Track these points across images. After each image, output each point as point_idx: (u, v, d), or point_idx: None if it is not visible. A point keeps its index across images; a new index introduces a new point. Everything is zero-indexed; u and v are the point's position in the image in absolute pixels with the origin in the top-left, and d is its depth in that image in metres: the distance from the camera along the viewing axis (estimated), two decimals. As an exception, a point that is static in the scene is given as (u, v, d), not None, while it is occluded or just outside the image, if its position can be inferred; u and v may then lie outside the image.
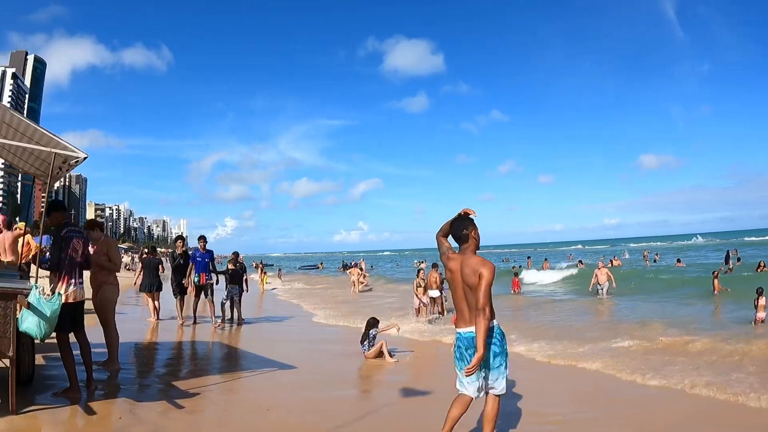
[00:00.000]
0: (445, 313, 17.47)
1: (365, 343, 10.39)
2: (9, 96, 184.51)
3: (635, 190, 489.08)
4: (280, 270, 49.83)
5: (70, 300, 6.56)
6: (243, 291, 15.57)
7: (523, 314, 18.54)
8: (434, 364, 10.78)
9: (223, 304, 14.93)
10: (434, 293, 17.70)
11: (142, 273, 15.37)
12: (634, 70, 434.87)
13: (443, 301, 17.85)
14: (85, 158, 6.35)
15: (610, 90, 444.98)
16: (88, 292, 7.48)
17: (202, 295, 14.10)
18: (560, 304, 21.30)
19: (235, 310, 14.97)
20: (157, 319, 14.70)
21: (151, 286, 14.78)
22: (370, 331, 10.37)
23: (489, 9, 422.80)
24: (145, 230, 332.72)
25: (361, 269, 34.59)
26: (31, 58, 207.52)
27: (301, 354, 11.04)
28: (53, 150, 6.29)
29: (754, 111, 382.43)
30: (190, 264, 14.00)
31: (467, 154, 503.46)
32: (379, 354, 10.19)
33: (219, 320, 14.39)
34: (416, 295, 17.37)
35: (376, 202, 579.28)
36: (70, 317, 6.53)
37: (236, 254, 16.00)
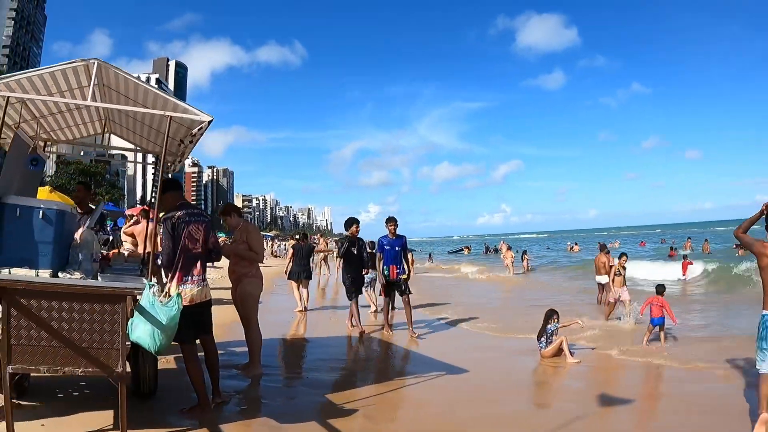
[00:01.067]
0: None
1: (542, 339, 9.02)
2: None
3: None
4: (430, 255, 48.47)
5: (189, 302, 5.22)
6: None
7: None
8: (621, 365, 8.96)
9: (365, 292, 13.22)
10: (602, 279, 15.50)
11: (292, 260, 14.12)
12: None
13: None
14: (210, 121, 5.21)
15: (760, 51, 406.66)
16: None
17: (396, 295, 11.16)
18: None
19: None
20: (305, 309, 13.63)
21: (299, 273, 13.74)
22: (548, 326, 8.95)
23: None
24: (291, 219, 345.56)
25: (525, 253, 33.29)
26: (172, 64, 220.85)
27: (472, 354, 9.43)
28: (169, 113, 5.13)
29: None
30: (378, 254, 11.02)
31: (609, 131, 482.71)
32: (558, 352, 8.78)
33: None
34: (610, 287, 13.90)
35: (518, 184, 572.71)
36: (193, 322, 5.24)
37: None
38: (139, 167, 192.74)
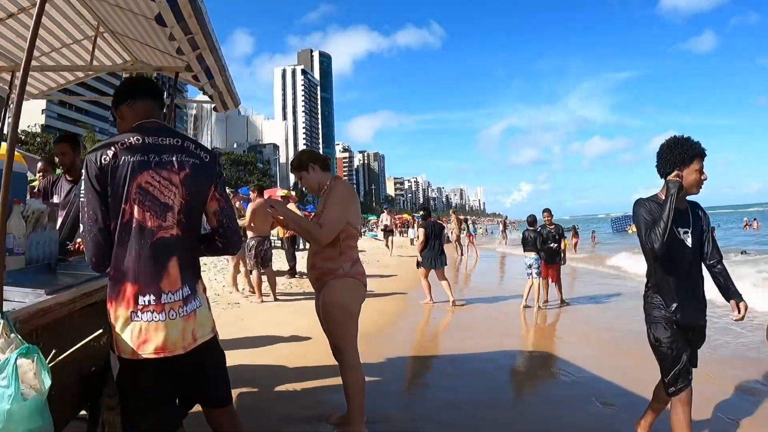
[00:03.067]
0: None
1: None
2: (302, 90, 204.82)
3: None
4: (593, 233, 43.43)
5: (135, 355, 2.29)
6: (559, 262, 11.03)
7: None
8: None
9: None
10: None
11: (423, 243, 10.90)
12: None
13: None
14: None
15: None
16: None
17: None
18: None
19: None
20: (453, 303, 10.48)
21: (433, 260, 10.84)
22: None
23: None
24: (444, 199, 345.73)
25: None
26: (316, 54, 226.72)
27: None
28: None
29: None
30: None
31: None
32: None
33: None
34: None
35: None
36: (161, 393, 2.41)
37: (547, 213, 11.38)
38: (291, 155, 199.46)
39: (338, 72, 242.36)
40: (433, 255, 10.83)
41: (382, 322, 8.63)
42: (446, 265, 10.94)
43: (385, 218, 24.05)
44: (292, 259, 14.06)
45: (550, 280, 10.74)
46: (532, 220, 10.76)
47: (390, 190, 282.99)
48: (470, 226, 26.53)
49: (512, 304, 10.70)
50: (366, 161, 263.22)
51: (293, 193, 24.66)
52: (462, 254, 24.59)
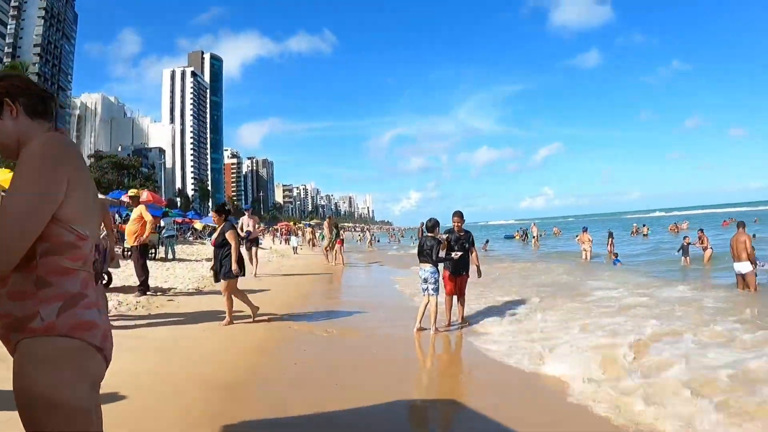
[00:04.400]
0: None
1: None
2: (191, 92, 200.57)
3: None
4: (486, 242, 43.39)
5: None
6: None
7: None
8: None
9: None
10: (744, 266, 12.63)
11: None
12: None
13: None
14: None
15: None
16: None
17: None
18: None
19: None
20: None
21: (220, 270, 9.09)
22: None
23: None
24: (333, 207, 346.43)
25: (611, 236, 27.86)
26: (207, 57, 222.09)
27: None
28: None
29: None
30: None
31: (650, 111, 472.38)
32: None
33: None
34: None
35: (559, 166, 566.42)
36: None
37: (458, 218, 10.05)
38: (178, 159, 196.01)
39: (228, 76, 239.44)
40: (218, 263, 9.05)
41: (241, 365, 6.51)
42: (237, 276, 8.96)
43: (246, 222, 17.71)
44: (142, 273, 11.63)
45: (455, 298, 9.63)
46: (431, 225, 9.19)
47: (279, 197, 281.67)
48: (341, 232, 26.04)
49: (401, 328, 9.12)
50: (255, 168, 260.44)
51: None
52: (331, 261, 24.35)
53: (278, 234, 62.01)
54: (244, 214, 18.06)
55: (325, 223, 26.36)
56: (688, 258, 21.87)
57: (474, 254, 9.98)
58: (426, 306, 8.91)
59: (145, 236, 11.67)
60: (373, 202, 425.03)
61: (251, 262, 17.45)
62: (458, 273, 9.57)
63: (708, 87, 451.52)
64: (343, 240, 25.87)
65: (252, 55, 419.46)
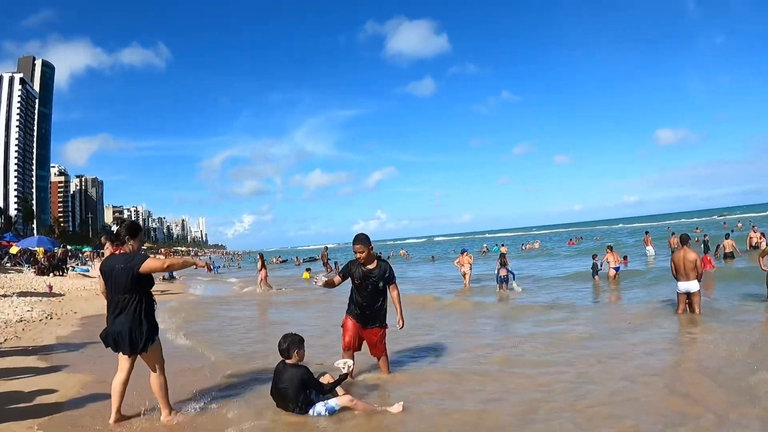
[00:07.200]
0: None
1: None
2: (18, 101, 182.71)
3: (656, 166, 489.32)
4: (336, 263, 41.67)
5: None
6: None
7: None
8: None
9: None
10: (693, 285, 11.94)
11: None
12: (648, 44, 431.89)
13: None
14: None
15: (623, 65, 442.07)
16: None
17: None
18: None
19: None
20: None
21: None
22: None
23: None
24: (165, 230, 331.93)
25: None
26: (39, 63, 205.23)
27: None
28: None
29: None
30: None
31: (480, 138, 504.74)
32: None
33: None
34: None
35: (392, 190, 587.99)
36: None
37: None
38: (0, 175, 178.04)
39: (57, 87, 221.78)
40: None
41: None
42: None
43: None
44: None
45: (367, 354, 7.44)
46: (285, 348, 5.83)
47: (108, 218, 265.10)
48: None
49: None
50: (83, 187, 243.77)
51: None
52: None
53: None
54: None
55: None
56: (597, 277, 20.84)
57: (395, 294, 7.23)
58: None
59: None
60: (207, 225, 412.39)
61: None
62: (371, 323, 7.18)
63: (534, 117, 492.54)
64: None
65: (82, 65, 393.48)
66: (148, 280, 5.43)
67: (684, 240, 12.55)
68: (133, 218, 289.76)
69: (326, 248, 37.99)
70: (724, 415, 5.42)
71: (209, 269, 6.41)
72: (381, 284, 7.00)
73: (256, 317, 15.94)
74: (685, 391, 6.33)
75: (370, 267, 6.98)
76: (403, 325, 7.22)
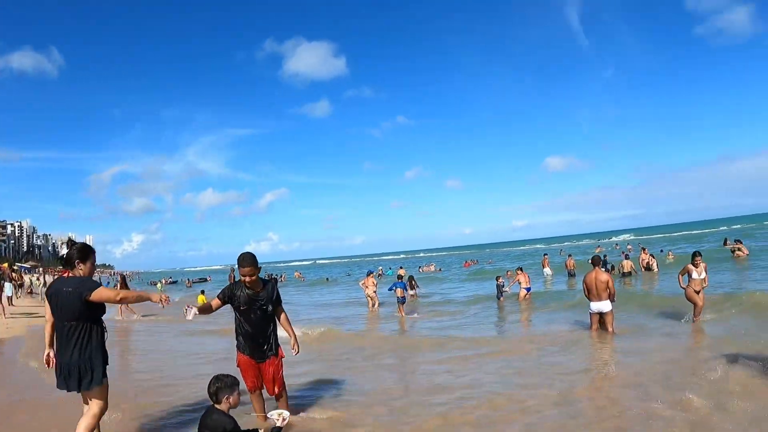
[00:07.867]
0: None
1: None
2: None
3: (545, 192, 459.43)
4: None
5: None
6: None
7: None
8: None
9: None
10: (605, 305, 12.13)
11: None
12: (541, 75, 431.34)
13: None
14: None
15: (517, 94, 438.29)
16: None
17: None
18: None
19: None
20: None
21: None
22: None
23: (391, 11, 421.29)
24: (50, 248, 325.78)
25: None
26: None
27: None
28: None
29: (657, 113, 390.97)
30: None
31: (374, 161, 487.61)
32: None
33: None
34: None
35: (284, 211, 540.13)
36: None
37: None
38: None
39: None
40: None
41: None
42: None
43: None
44: None
45: (271, 394, 6.18)
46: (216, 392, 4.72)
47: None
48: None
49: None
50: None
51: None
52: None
53: None
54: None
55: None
56: (503, 298, 20.65)
57: (283, 317, 6.36)
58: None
59: None
60: (94, 243, 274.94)
61: None
62: (263, 356, 6.13)
63: (428, 141, 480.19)
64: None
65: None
66: (100, 306, 5.03)
67: (596, 262, 12.68)
68: (16, 234, 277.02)
69: (233, 269, 37.49)
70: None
71: (166, 304, 5.25)
72: (269, 308, 6.11)
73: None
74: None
75: (257, 290, 6.01)
76: (298, 350, 6.30)
